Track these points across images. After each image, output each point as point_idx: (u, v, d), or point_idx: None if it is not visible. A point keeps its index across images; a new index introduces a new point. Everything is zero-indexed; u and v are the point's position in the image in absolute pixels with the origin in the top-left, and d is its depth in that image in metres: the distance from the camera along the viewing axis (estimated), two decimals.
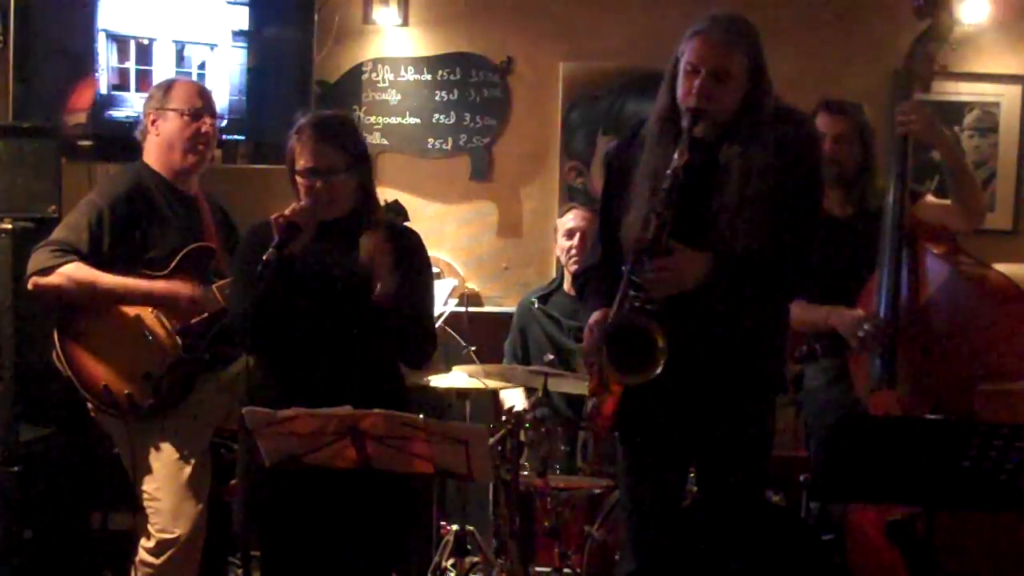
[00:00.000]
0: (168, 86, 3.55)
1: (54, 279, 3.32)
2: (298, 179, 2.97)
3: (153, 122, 3.49)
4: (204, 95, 3.57)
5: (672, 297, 2.77)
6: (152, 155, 3.51)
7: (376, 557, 3.06)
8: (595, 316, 2.91)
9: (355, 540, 2.99)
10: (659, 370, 2.74)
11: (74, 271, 3.32)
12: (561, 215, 4.55)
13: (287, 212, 2.90)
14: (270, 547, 3.10)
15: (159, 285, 3.36)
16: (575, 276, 3.13)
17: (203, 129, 3.51)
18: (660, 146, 2.83)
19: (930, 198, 3.69)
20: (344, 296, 2.96)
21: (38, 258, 3.35)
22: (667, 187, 2.73)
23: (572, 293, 4.31)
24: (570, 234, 4.37)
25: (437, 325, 4.47)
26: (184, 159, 3.50)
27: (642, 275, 2.75)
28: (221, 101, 4.24)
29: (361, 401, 2.74)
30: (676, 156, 2.72)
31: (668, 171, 2.73)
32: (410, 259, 3.03)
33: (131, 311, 3.38)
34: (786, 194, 2.79)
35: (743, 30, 2.80)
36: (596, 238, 3.09)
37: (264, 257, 2.85)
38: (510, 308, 4.70)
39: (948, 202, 3.59)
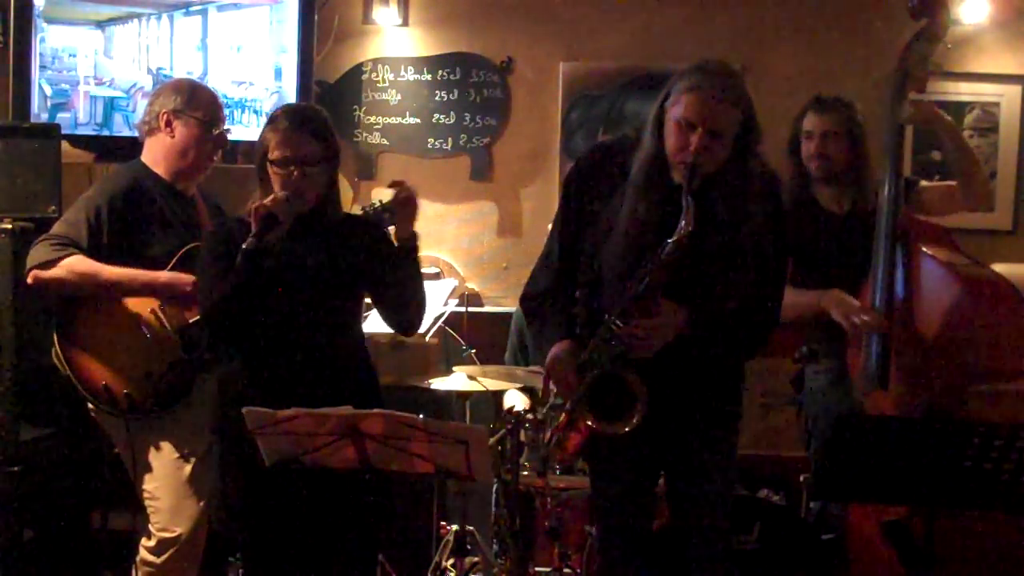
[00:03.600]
0: (191, 89, 3.52)
1: (56, 272, 3.31)
2: (273, 169, 2.96)
3: (168, 123, 3.46)
4: (220, 102, 3.58)
5: None
6: (157, 155, 3.49)
7: (357, 552, 3.08)
8: (560, 348, 2.92)
9: (335, 536, 3.00)
10: (636, 422, 2.78)
11: (76, 263, 3.31)
12: None
13: (267, 202, 2.90)
14: (252, 545, 3.11)
15: (162, 275, 3.35)
16: (522, 299, 3.11)
17: (221, 140, 3.51)
18: (647, 195, 2.81)
19: (926, 183, 3.71)
20: (313, 289, 2.98)
21: (38, 252, 3.35)
22: (668, 252, 2.72)
23: None
24: None
25: (437, 325, 4.50)
26: (195, 166, 3.49)
27: (625, 330, 2.77)
28: None
29: (336, 393, 2.79)
30: (682, 224, 2.70)
31: (671, 240, 2.71)
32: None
33: (130, 310, 3.38)
34: (767, 245, 2.82)
35: (735, 83, 2.78)
36: (550, 260, 3.03)
37: (244, 246, 2.85)
38: (510, 308, 4.69)
39: (949, 183, 3.61)
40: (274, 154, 2.95)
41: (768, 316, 2.90)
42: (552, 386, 3.08)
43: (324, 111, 3.11)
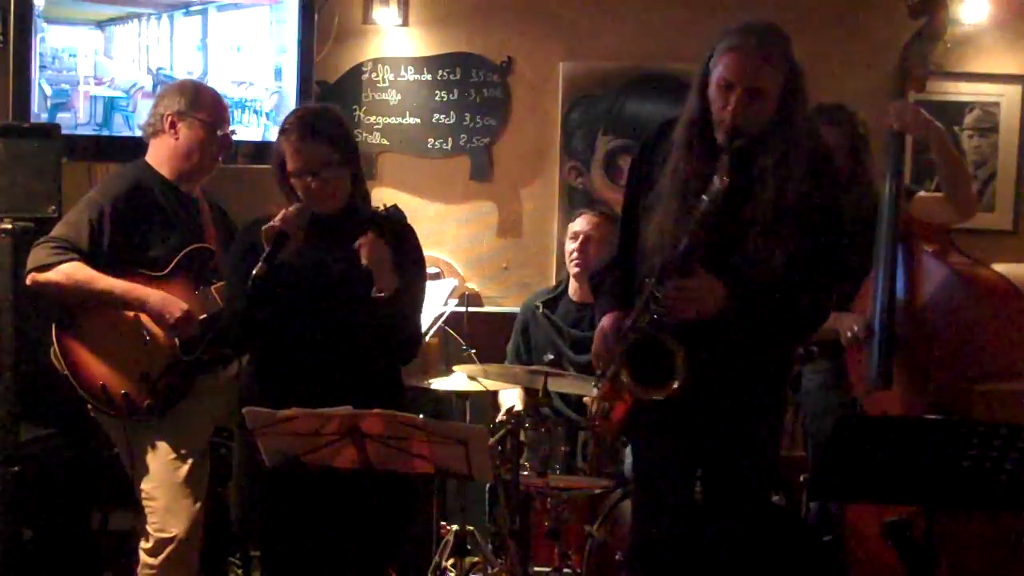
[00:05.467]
0: (196, 91, 3.52)
1: (52, 276, 3.31)
2: (293, 180, 2.96)
3: (172, 125, 3.46)
4: (224, 104, 3.58)
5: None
6: (161, 156, 3.49)
7: (372, 554, 3.07)
8: (607, 321, 2.91)
9: (352, 537, 3.00)
10: (676, 387, 2.75)
11: (73, 270, 3.31)
12: (573, 219, 4.54)
13: (275, 222, 2.90)
14: (268, 545, 3.12)
15: (155, 296, 3.34)
16: (591, 277, 3.13)
17: (226, 142, 3.51)
18: (690, 155, 2.80)
19: (923, 193, 3.70)
20: (340, 292, 2.97)
21: (38, 254, 3.35)
22: (704, 211, 2.69)
23: (576, 300, 4.31)
24: (575, 237, 4.34)
25: (437, 325, 4.50)
26: (199, 168, 3.50)
27: (664, 292, 2.74)
28: None
29: (359, 399, 2.74)
30: (716, 180, 2.68)
31: (706, 196, 2.69)
32: (407, 257, 3.03)
33: (130, 311, 3.37)
34: (815, 209, 2.78)
35: (778, 43, 2.78)
36: (617, 237, 3.06)
37: (254, 272, 2.84)
38: (510, 308, 4.69)
39: (938, 195, 3.61)
40: (290, 165, 2.95)
41: (817, 297, 2.84)
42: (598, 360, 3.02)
43: (336, 110, 3.10)
